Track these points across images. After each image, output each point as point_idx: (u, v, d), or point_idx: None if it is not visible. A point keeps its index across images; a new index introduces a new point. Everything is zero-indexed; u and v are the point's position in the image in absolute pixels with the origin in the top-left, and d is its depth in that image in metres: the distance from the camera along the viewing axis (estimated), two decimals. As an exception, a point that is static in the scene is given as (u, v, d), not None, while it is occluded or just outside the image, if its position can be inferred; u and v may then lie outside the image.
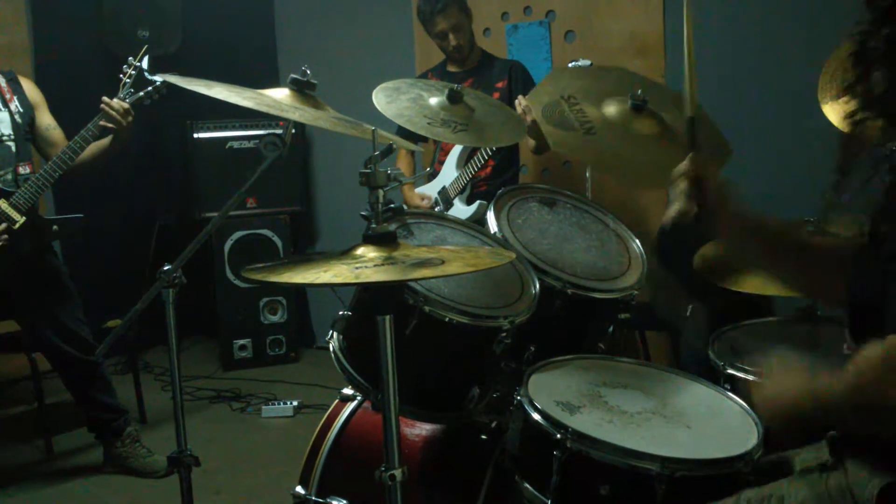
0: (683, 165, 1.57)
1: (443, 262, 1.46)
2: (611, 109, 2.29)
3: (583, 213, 2.40)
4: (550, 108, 2.33)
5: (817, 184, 1.36)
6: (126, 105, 3.02)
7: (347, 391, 2.18)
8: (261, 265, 1.54)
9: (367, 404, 2.12)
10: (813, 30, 3.29)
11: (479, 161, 3.35)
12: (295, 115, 1.73)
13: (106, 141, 3.11)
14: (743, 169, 3.48)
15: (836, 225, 1.79)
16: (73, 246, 4.21)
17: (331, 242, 5.14)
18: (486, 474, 1.88)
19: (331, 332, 1.95)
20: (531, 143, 3.35)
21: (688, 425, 1.70)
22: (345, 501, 1.97)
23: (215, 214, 2.05)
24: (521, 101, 2.99)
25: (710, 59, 3.69)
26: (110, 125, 3.03)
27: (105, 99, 3.01)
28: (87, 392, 3.29)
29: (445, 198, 3.49)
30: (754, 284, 2.21)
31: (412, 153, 3.82)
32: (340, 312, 1.92)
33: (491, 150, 3.32)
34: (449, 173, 3.52)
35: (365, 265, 1.43)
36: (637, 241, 2.35)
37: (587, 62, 3.09)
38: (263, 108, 1.67)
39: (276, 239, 4.78)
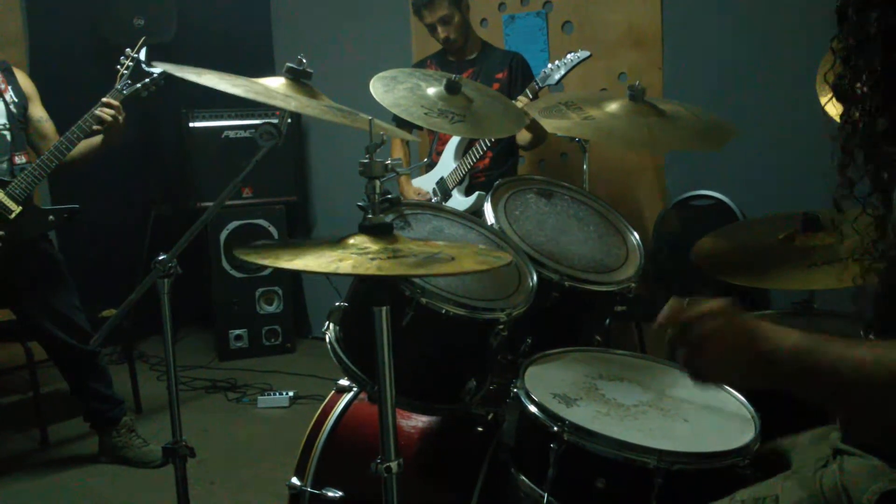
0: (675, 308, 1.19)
1: (453, 258, 1.46)
2: (612, 107, 2.30)
3: (580, 205, 2.39)
4: (549, 110, 2.35)
5: (816, 176, 1.35)
6: (116, 103, 3.02)
7: (343, 382, 2.17)
8: (260, 243, 1.53)
9: (363, 396, 2.12)
10: (812, 20, 3.27)
11: (478, 152, 3.34)
12: (288, 104, 1.72)
13: (97, 140, 3.10)
14: (742, 162, 3.48)
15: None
16: (69, 235, 4.20)
17: (326, 232, 5.13)
18: (482, 466, 1.88)
19: (327, 322, 1.94)
20: (525, 137, 3.33)
21: (685, 418, 1.69)
22: (340, 493, 1.96)
23: (211, 204, 2.04)
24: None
25: (709, 51, 3.69)
26: (106, 115, 3.02)
27: (105, 100, 3.01)
28: (83, 381, 3.29)
29: (443, 189, 3.48)
30: (751, 278, 2.21)
31: (407, 143, 3.81)
32: (337, 303, 1.91)
33: (489, 140, 3.31)
34: (447, 164, 3.51)
35: (379, 256, 1.42)
36: (634, 233, 2.35)
37: (586, 53, 3.07)
38: (252, 96, 1.65)
39: (271, 229, 4.77)
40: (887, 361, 1.01)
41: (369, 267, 1.37)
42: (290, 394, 4.01)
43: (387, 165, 1.55)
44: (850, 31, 1.17)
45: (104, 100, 3.01)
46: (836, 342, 1.07)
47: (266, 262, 1.43)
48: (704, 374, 1.17)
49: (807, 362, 1.07)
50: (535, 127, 3.03)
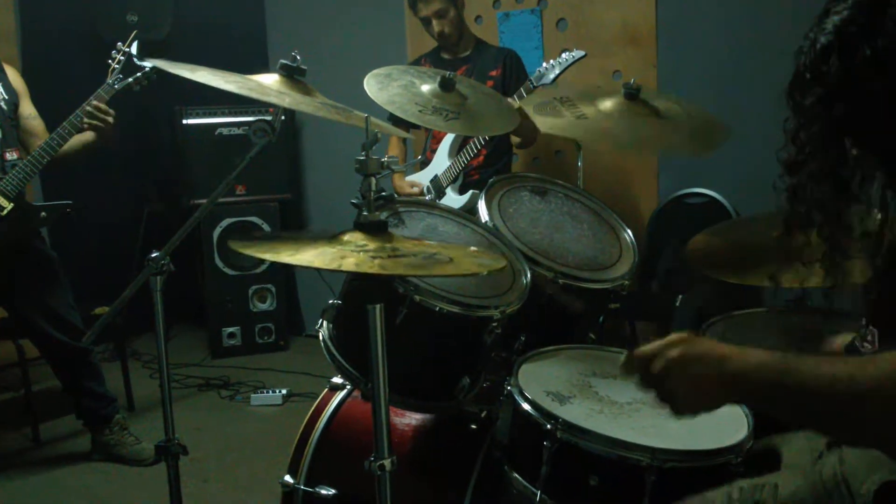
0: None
1: (451, 260, 1.45)
2: (606, 104, 2.29)
3: (574, 203, 2.39)
4: (542, 106, 2.34)
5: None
6: (104, 106, 3.01)
7: (337, 380, 2.17)
8: (258, 235, 1.52)
9: (356, 393, 2.12)
10: (806, 17, 3.28)
11: (472, 150, 3.33)
12: (282, 101, 1.71)
13: (89, 136, 3.08)
14: (735, 160, 3.48)
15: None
16: (62, 232, 4.18)
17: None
18: (475, 464, 1.87)
19: (320, 320, 1.94)
20: (514, 139, 3.34)
21: (678, 416, 1.69)
22: (333, 491, 1.96)
23: (204, 201, 2.03)
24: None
25: (703, 49, 3.69)
26: (94, 122, 3.01)
27: (93, 105, 3.00)
28: (76, 379, 3.28)
29: (437, 186, 3.47)
30: (744, 275, 2.21)
31: (404, 140, 3.80)
32: (330, 301, 1.91)
33: (484, 138, 3.30)
34: (441, 162, 3.50)
35: (379, 255, 1.42)
36: (628, 230, 2.35)
37: (581, 53, 3.05)
38: (245, 92, 1.65)
39: (265, 226, 4.75)
40: (861, 378, 0.99)
41: (372, 266, 1.37)
42: (284, 391, 4.00)
43: (382, 162, 1.55)
44: (794, 110, 1.28)
45: (92, 103, 2.99)
46: (807, 359, 1.05)
47: (266, 256, 1.42)
48: (679, 406, 1.14)
49: (776, 379, 1.05)
50: (521, 131, 3.03)
